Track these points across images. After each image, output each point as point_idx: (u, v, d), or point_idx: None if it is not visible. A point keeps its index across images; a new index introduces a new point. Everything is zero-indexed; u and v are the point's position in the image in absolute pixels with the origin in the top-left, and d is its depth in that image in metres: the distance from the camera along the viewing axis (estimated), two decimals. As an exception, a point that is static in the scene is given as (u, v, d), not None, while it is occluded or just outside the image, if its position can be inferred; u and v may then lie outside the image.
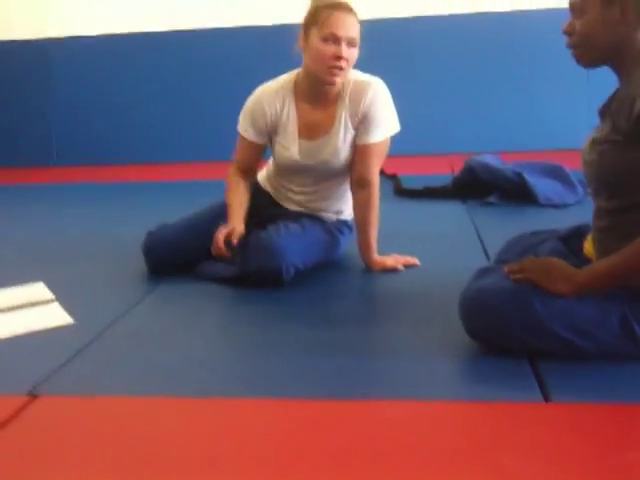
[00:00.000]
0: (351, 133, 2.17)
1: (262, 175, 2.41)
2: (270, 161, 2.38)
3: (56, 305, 1.99)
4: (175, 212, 2.36)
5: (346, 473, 1.12)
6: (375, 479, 1.10)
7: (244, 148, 2.27)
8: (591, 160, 1.52)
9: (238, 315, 1.93)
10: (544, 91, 4.93)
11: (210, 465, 1.16)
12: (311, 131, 2.18)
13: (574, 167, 3.72)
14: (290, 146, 2.20)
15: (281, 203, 2.36)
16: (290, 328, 1.77)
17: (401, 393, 1.40)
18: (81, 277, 2.32)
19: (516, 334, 1.47)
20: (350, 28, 2.02)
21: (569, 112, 4.90)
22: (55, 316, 1.90)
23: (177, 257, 2.23)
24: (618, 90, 1.51)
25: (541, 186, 3.33)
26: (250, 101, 2.23)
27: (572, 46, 1.53)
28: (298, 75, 2.18)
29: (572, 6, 1.51)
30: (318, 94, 2.14)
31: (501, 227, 2.58)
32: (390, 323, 1.81)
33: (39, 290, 2.13)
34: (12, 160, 5.55)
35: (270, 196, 2.38)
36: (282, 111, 2.18)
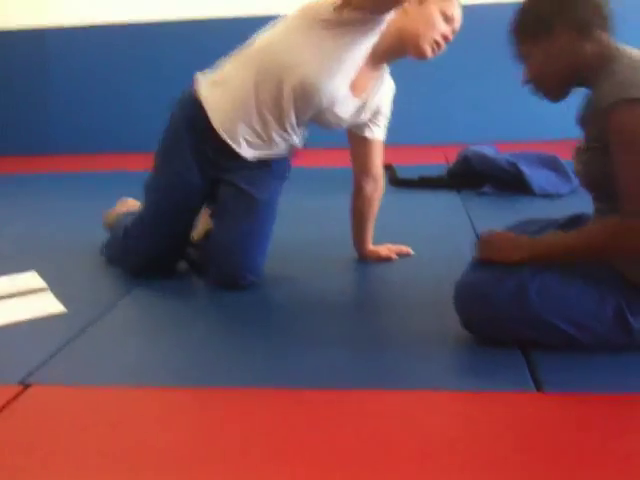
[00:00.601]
0: (366, 114, 2.05)
1: (216, 112, 2.01)
2: (241, 92, 1.98)
3: (49, 294, 1.98)
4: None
5: (341, 464, 1.12)
6: (369, 470, 1.10)
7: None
8: (578, 169, 1.56)
9: (229, 307, 1.93)
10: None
11: (202, 456, 1.16)
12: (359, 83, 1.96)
13: (568, 157, 3.72)
14: (340, 85, 1.91)
15: (236, 149, 2.01)
16: (283, 321, 1.77)
17: (393, 384, 1.40)
18: (74, 267, 2.31)
19: (511, 325, 1.48)
20: (459, 21, 1.92)
21: (564, 103, 4.89)
22: (48, 304, 1.90)
23: (160, 266, 2.13)
24: (590, 100, 1.51)
25: (536, 176, 3.33)
26: None
27: (535, 91, 1.57)
28: (395, 24, 1.88)
29: (517, 57, 1.58)
30: (382, 58, 1.94)
31: (496, 217, 2.58)
32: (383, 313, 1.81)
33: (32, 279, 2.13)
34: (8, 149, 5.53)
35: (220, 142, 2.01)
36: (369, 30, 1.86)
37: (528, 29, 1.53)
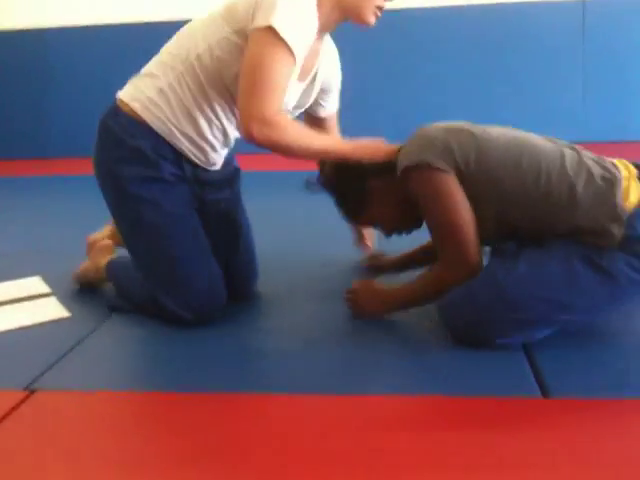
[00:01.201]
0: (313, 95, 1.90)
1: (177, 135, 1.74)
2: (188, 108, 1.73)
3: (53, 299, 1.98)
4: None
5: (343, 468, 1.12)
6: (370, 475, 1.10)
7: (286, 75, 1.59)
8: None
9: (234, 311, 1.92)
10: (540, 84, 4.92)
11: (207, 459, 1.16)
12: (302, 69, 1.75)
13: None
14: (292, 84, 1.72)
15: (209, 166, 1.85)
16: (281, 324, 1.77)
17: (396, 388, 1.40)
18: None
19: (500, 326, 1.50)
20: None
21: (565, 105, 4.90)
22: (52, 310, 1.90)
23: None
24: None
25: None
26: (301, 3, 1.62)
27: (402, 233, 1.82)
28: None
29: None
30: (320, 32, 1.75)
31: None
32: (384, 318, 1.80)
33: (35, 284, 2.12)
34: (8, 151, 5.53)
35: (189, 164, 1.80)
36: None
37: (356, 208, 1.77)
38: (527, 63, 4.86)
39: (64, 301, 1.96)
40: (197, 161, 1.79)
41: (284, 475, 1.12)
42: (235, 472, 1.13)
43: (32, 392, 1.42)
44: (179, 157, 1.76)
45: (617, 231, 1.46)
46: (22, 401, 1.38)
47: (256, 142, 1.57)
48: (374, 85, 4.85)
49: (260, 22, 1.56)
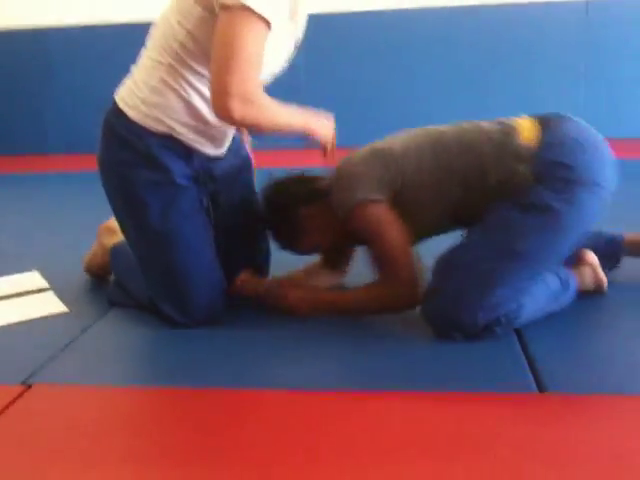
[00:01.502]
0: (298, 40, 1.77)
1: (173, 123, 1.67)
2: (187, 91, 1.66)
3: (51, 294, 1.98)
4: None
5: (344, 464, 1.12)
6: (370, 471, 1.10)
7: (262, 45, 1.51)
8: None
9: (234, 307, 1.92)
10: (542, 83, 4.92)
11: (206, 455, 1.16)
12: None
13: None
14: (287, 39, 1.67)
15: (219, 149, 1.80)
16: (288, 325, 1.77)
17: (392, 385, 1.40)
18: (75, 267, 2.31)
19: (467, 300, 1.54)
20: None
21: (566, 104, 4.89)
22: (50, 304, 1.90)
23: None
24: None
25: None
26: None
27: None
28: None
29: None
30: None
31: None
32: (377, 315, 1.80)
33: (34, 279, 2.13)
34: (9, 148, 5.53)
35: (199, 157, 1.74)
36: None
37: (292, 238, 1.81)
38: (530, 63, 4.86)
39: (62, 296, 1.96)
40: (205, 149, 1.74)
41: (278, 472, 1.11)
42: (233, 468, 1.13)
43: (29, 386, 1.42)
44: (188, 150, 1.70)
45: (526, 169, 1.57)
46: (19, 395, 1.38)
47: (232, 120, 1.53)
48: (376, 86, 4.86)
49: None
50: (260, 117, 1.54)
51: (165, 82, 1.65)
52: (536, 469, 1.09)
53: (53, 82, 5.53)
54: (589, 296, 1.79)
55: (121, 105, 1.73)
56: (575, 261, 1.78)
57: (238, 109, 1.48)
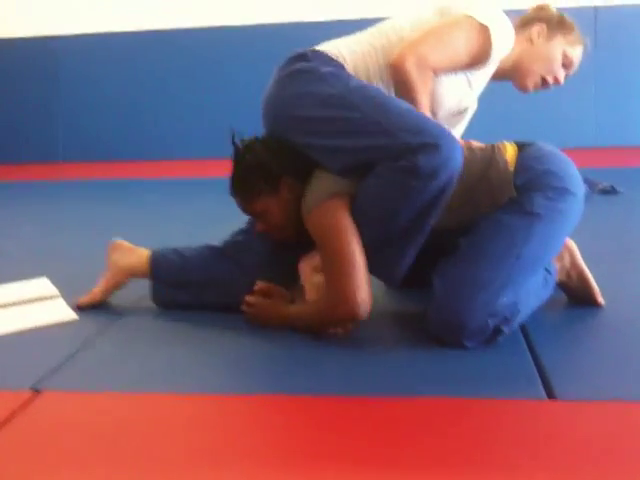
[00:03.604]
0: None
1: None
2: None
3: (60, 301, 1.99)
4: (181, 210, 2.36)
5: (350, 470, 1.11)
6: (377, 477, 1.10)
7: (470, 47, 1.69)
8: None
9: (235, 314, 1.92)
10: (552, 90, 4.91)
11: (213, 462, 1.16)
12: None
13: (579, 165, 3.72)
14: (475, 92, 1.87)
15: None
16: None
17: (401, 390, 1.39)
18: (85, 273, 2.31)
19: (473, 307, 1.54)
20: (577, 65, 1.89)
21: (576, 110, 4.88)
22: (59, 312, 1.90)
23: None
24: None
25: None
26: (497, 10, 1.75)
27: (279, 238, 1.77)
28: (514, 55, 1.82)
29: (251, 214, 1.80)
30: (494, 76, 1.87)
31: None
32: (385, 319, 1.80)
33: (43, 285, 2.13)
34: (19, 157, 5.58)
35: None
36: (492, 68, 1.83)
37: (257, 189, 1.70)
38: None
39: (71, 303, 1.96)
40: None
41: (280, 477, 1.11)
42: (237, 473, 1.13)
43: (38, 392, 1.42)
44: None
45: (515, 178, 1.61)
46: (28, 401, 1.38)
47: (397, 66, 1.64)
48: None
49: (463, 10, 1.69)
50: (413, 82, 1.62)
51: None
52: (545, 476, 1.08)
53: (61, 90, 5.58)
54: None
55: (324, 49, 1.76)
56: None
57: (410, 62, 1.62)
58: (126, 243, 1.99)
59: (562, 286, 1.81)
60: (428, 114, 1.66)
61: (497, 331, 1.56)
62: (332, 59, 1.71)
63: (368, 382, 1.44)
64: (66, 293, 2.05)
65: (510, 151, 1.68)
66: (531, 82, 1.86)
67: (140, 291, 2.04)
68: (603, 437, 1.19)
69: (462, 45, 1.68)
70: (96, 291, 1.95)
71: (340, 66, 1.70)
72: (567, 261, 1.78)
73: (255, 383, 1.46)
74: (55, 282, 2.16)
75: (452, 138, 1.54)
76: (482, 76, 1.83)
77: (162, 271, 1.90)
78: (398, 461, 1.13)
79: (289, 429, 1.26)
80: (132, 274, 1.94)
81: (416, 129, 1.53)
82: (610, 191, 3.46)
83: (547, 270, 1.71)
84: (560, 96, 4.89)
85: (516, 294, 1.57)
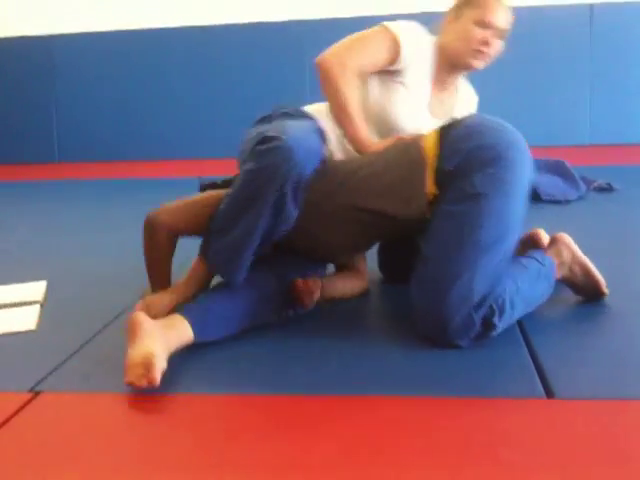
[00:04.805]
0: None
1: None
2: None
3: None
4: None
5: (347, 470, 1.12)
6: (376, 477, 1.10)
7: (373, 50, 1.91)
8: None
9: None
10: (547, 87, 4.91)
11: (213, 463, 1.16)
12: (435, 107, 2.01)
13: (576, 163, 3.73)
14: (421, 97, 1.96)
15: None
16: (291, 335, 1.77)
17: (400, 389, 1.39)
18: (83, 274, 2.32)
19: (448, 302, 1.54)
20: (503, 19, 1.96)
21: (571, 108, 4.89)
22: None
23: None
24: None
25: (543, 182, 3.33)
26: (410, 23, 1.97)
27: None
28: (438, 47, 1.99)
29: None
30: (444, 76, 2.01)
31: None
32: (383, 318, 1.80)
33: (34, 290, 2.10)
34: (16, 157, 5.56)
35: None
36: (426, 65, 1.97)
37: None
38: (534, 67, 4.86)
39: (70, 304, 1.96)
40: None
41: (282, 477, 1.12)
42: (239, 473, 1.13)
43: (37, 394, 1.42)
44: None
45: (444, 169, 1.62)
46: (27, 403, 1.38)
47: (318, 63, 1.89)
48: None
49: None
50: (336, 82, 1.86)
51: None
52: (544, 475, 1.08)
53: (58, 90, 5.56)
54: (597, 300, 1.79)
55: None
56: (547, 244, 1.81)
57: (329, 63, 1.88)
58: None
59: (567, 283, 1.79)
60: (354, 106, 1.87)
61: (488, 325, 1.54)
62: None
63: (366, 381, 1.44)
64: (64, 294, 2.05)
65: (430, 139, 1.66)
66: (469, 59, 1.94)
67: (139, 291, 2.04)
68: (602, 436, 1.19)
69: (374, 45, 1.90)
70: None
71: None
72: (566, 256, 1.76)
73: (252, 383, 1.46)
74: (53, 283, 2.16)
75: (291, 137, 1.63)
76: (415, 77, 1.94)
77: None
78: (395, 460, 1.13)
79: (286, 429, 1.26)
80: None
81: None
82: (606, 188, 3.47)
83: (539, 262, 1.69)
84: (555, 94, 4.92)
85: (491, 281, 1.55)
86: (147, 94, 5.33)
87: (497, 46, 1.96)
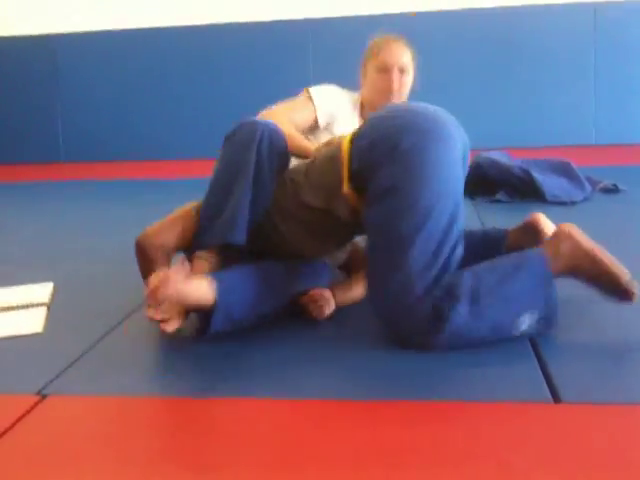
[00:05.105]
0: None
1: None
2: None
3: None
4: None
5: (351, 474, 1.12)
6: (380, 478, 1.10)
7: (302, 111, 2.19)
8: None
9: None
10: (551, 87, 4.91)
11: (219, 465, 1.16)
12: None
13: (581, 164, 3.72)
14: None
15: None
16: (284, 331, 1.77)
17: (405, 394, 1.39)
18: (89, 275, 2.32)
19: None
20: (400, 56, 2.13)
21: (576, 108, 4.88)
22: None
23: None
24: None
25: (548, 183, 3.32)
26: (329, 86, 2.25)
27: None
28: (362, 98, 2.25)
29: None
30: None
31: (508, 224, 2.58)
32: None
33: (39, 292, 2.11)
34: (20, 157, 5.57)
35: None
36: (350, 119, 2.22)
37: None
38: (538, 66, 4.86)
39: (76, 306, 1.96)
40: None
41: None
42: (239, 474, 1.13)
43: (44, 397, 1.43)
44: None
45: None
46: (34, 406, 1.38)
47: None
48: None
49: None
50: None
51: None
52: (551, 479, 1.08)
53: (61, 90, 5.57)
54: (605, 304, 1.78)
55: None
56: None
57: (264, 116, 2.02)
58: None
59: (573, 277, 1.62)
60: (292, 130, 2.05)
61: (440, 316, 1.51)
62: None
63: (370, 385, 1.44)
64: (69, 296, 2.05)
65: (346, 140, 1.70)
66: (384, 103, 2.08)
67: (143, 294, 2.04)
68: (609, 440, 1.19)
69: (298, 106, 2.18)
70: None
71: None
72: (565, 247, 1.59)
73: (255, 386, 1.46)
74: (58, 284, 2.16)
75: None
76: (344, 130, 2.05)
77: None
78: (402, 463, 1.13)
79: (286, 432, 1.26)
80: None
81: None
82: (612, 189, 3.46)
83: (517, 255, 1.61)
84: (559, 93, 4.91)
85: (435, 268, 1.53)
86: (151, 94, 5.32)
87: (405, 81, 2.16)
